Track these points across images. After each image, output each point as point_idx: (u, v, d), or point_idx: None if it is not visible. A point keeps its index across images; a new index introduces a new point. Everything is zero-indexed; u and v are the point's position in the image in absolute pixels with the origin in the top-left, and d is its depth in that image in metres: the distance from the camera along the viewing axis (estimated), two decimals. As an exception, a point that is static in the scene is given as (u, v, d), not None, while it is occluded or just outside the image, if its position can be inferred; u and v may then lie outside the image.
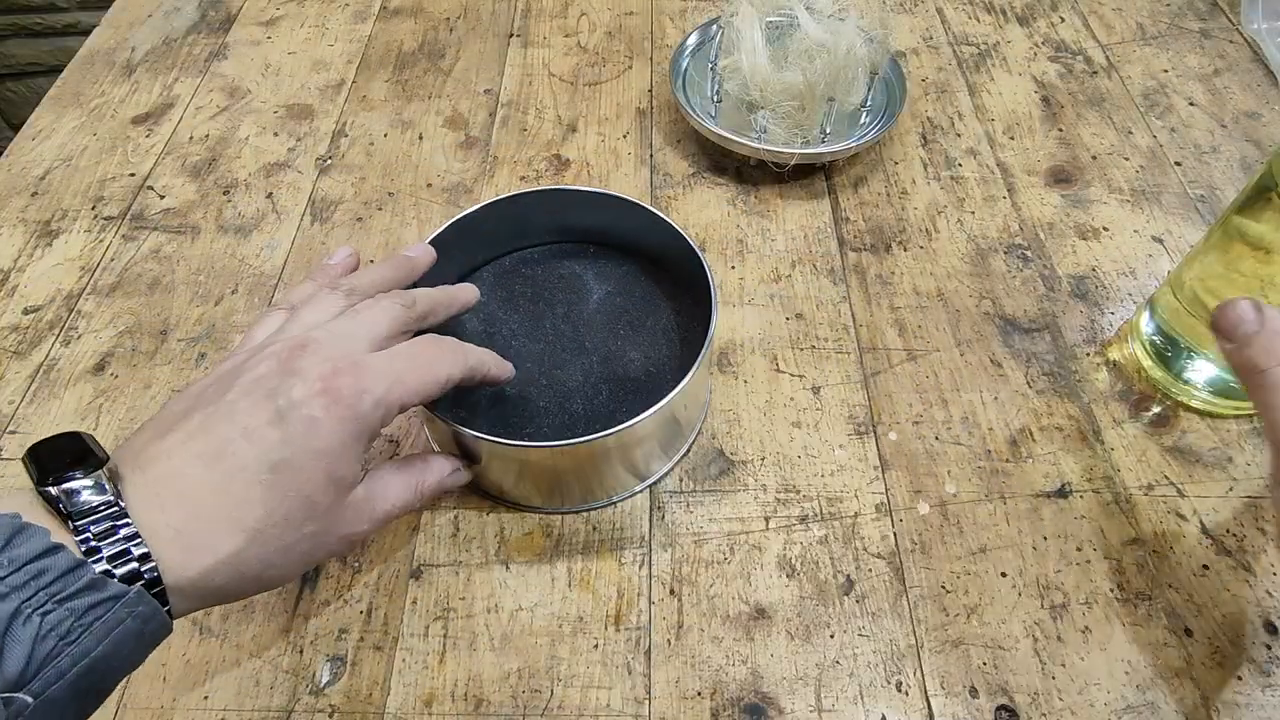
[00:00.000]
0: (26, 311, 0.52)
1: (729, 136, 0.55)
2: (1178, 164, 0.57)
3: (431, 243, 0.43)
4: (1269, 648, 0.37)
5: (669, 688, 0.37)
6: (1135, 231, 0.53)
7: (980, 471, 0.43)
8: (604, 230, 0.49)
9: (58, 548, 0.24)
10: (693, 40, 0.62)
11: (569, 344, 0.45)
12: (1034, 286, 0.51)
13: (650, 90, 0.64)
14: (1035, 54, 0.66)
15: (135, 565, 0.25)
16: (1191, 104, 0.61)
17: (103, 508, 0.26)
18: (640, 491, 0.43)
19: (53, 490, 0.26)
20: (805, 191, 0.57)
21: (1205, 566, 0.40)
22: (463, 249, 0.47)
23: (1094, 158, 0.58)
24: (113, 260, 0.54)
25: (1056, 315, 0.49)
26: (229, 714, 0.36)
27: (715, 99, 0.58)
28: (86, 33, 0.72)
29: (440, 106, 0.63)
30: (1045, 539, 0.41)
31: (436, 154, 0.60)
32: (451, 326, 0.46)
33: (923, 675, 0.37)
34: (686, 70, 0.61)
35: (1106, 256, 0.52)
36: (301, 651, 0.38)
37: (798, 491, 0.42)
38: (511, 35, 0.69)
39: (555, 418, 0.42)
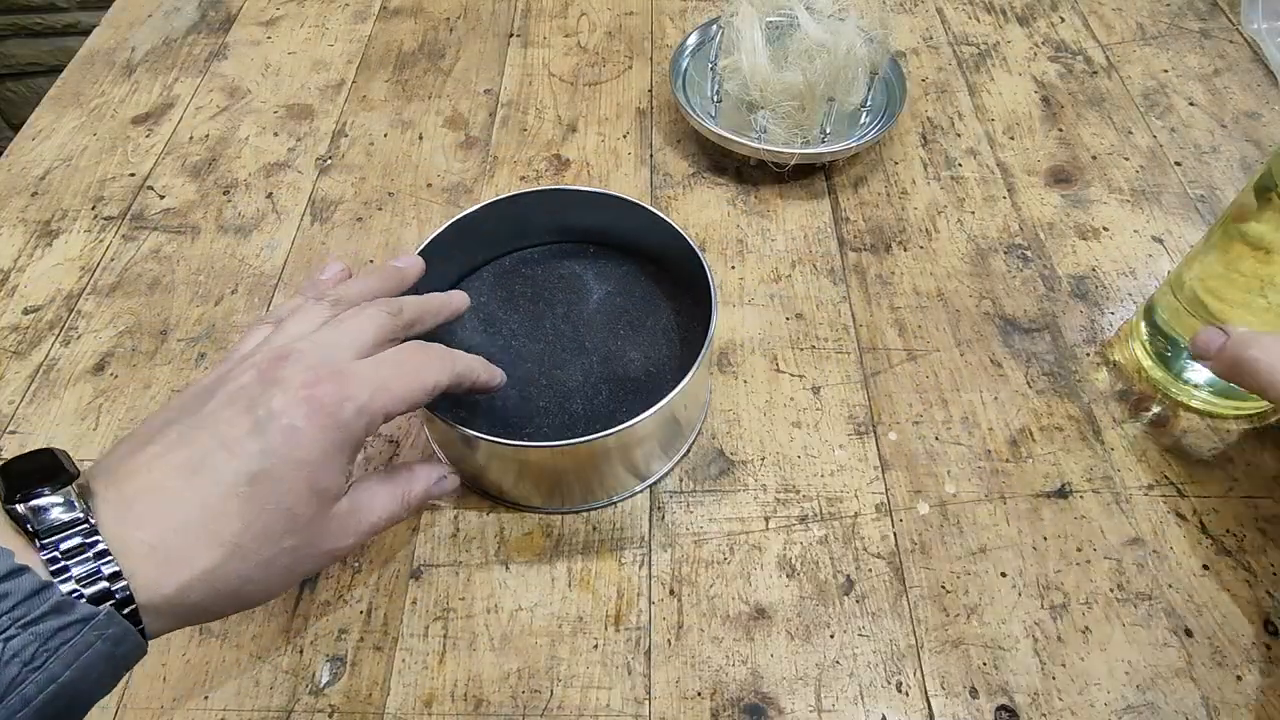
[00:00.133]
0: (26, 311, 0.52)
1: (729, 136, 0.55)
2: (1178, 164, 0.57)
3: (431, 242, 0.43)
4: (1269, 648, 0.37)
5: (669, 688, 0.37)
6: (1135, 231, 0.53)
7: (980, 471, 0.43)
8: (604, 230, 0.49)
9: (21, 569, 0.23)
10: (693, 40, 0.62)
11: (569, 344, 0.45)
12: (1034, 286, 0.51)
13: (650, 90, 0.64)
14: (1035, 54, 0.66)
15: (105, 585, 0.24)
16: (1191, 104, 0.61)
17: (72, 525, 0.25)
18: (640, 491, 0.43)
19: (19, 508, 0.25)
20: (805, 191, 0.57)
21: (1205, 566, 0.40)
22: (463, 249, 0.47)
23: (1094, 158, 0.58)
24: (113, 260, 0.54)
25: (1056, 315, 0.49)
26: (229, 714, 0.36)
27: (715, 99, 0.58)
28: (86, 33, 0.72)
29: (440, 106, 0.63)
30: (1045, 539, 0.41)
31: (436, 154, 0.60)
32: (451, 326, 0.46)
33: (923, 675, 0.37)
34: (686, 70, 0.61)
35: (1106, 256, 0.52)
36: (301, 651, 0.38)
37: (798, 491, 0.42)
38: (511, 35, 0.69)
39: (555, 418, 0.42)
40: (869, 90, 0.57)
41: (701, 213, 0.55)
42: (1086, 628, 0.38)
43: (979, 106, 0.62)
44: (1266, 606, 0.38)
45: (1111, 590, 0.39)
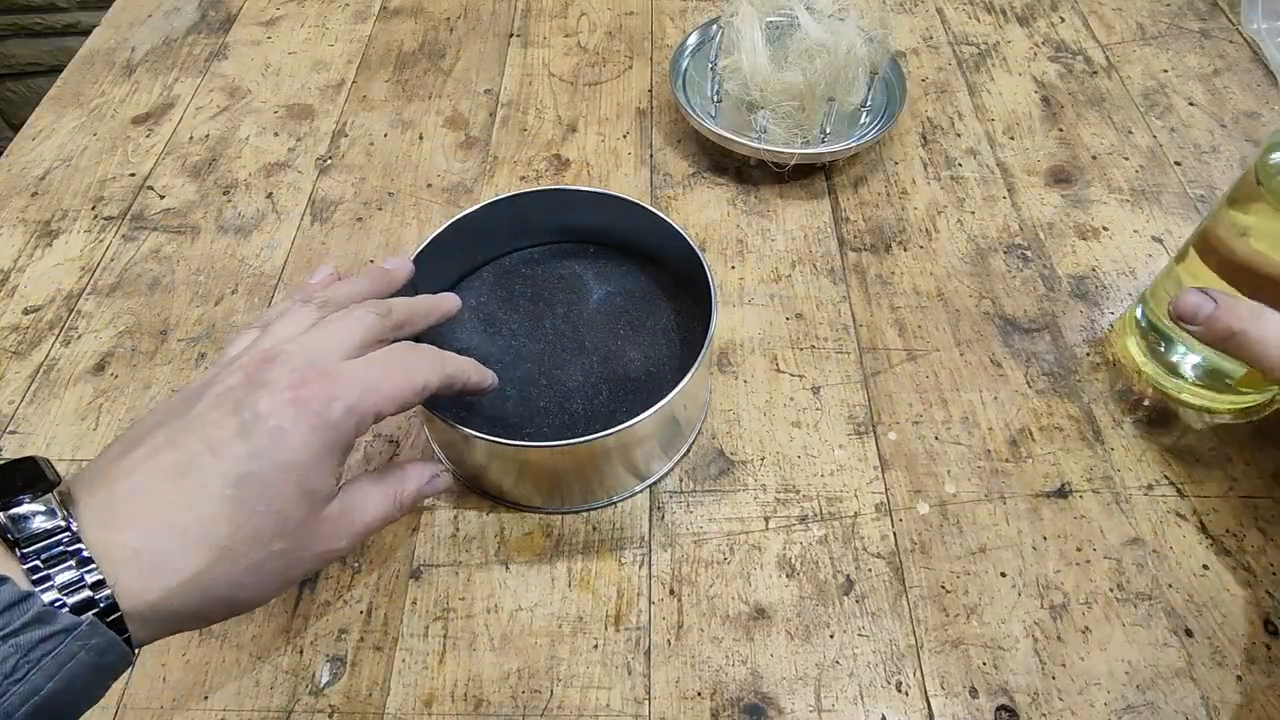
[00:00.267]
0: (26, 311, 0.52)
1: (729, 136, 0.55)
2: (1178, 164, 0.57)
3: (431, 243, 0.43)
4: (1269, 648, 0.37)
5: (669, 688, 0.37)
6: (1135, 231, 0.53)
7: (980, 471, 0.43)
8: (604, 230, 0.49)
9: (1, 580, 0.23)
10: (693, 40, 0.62)
11: (569, 344, 0.45)
12: (1034, 286, 0.51)
13: (650, 90, 0.64)
14: (1035, 54, 0.66)
15: (89, 593, 0.24)
16: (1191, 104, 0.61)
17: (54, 533, 0.24)
18: (640, 491, 0.43)
19: (2, 520, 0.24)
20: (805, 191, 0.57)
21: (1205, 566, 0.40)
22: (463, 249, 0.47)
23: (1094, 158, 0.58)
24: (113, 260, 0.54)
25: (1056, 315, 0.49)
26: (229, 714, 0.36)
27: (715, 99, 0.58)
28: (86, 33, 0.72)
29: (440, 106, 0.63)
30: (1045, 539, 0.41)
31: (436, 154, 0.60)
32: (452, 327, 0.46)
33: (923, 675, 0.37)
34: (686, 70, 0.61)
35: (1106, 256, 0.52)
36: (301, 651, 0.38)
37: (797, 491, 0.42)
38: (511, 35, 0.69)
39: (555, 418, 0.42)
40: (869, 90, 0.57)
41: (701, 213, 0.55)
42: (1086, 628, 0.38)
43: (979, 106, 0.62)
44: (1266, 606, 0.38)
45: (1111, 590, 0.39)
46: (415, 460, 0.36)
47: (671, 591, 0.39)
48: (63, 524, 0.25)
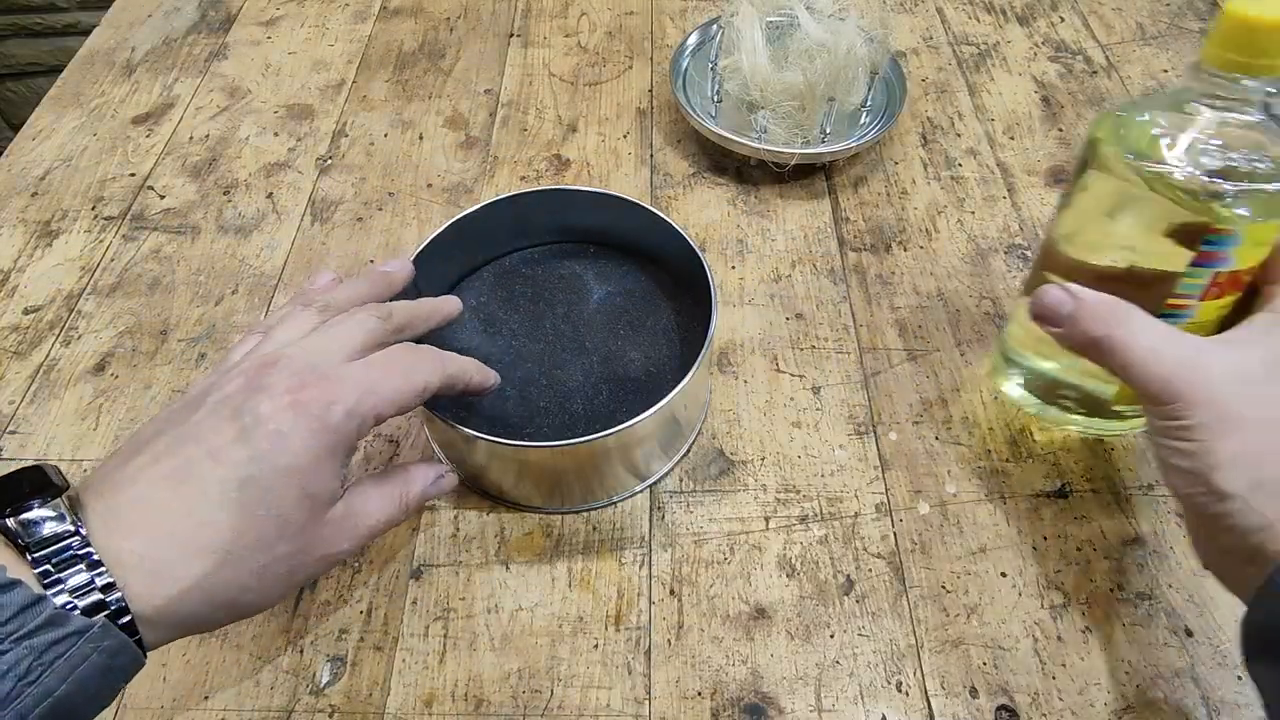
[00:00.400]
0: (26, 311, 0.52)
1: (729, 136, 0.55)
2: (1178, 164, 0.57)
3: (431, 243, 0.43)
4: (1269, 648, 0.37)
5: (669, 688, 0.37)
6: (1135, 231, 0.53)
7: (980, 471, 0.43)
8: (604, 230, 0.49)
9: (14, 584, 0.23)
10: (693, 40, 0.62)
11: (569, 344, 0.45)
12: (1034, 286, 0.51)
13: (650, 90, 0.64)
14: (1035, 54, 0.66)
15: (99, 596, 0.24)
16: (1191, 104, 0.61)
17: (64, 537, 0.25)
18: (640, 491, 0.43)
19: (9, 523, 0.25)
20: (805, 191, 0.57)
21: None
22: (463, 249, 0.47)
23: (1094, 158, 0.58)
24: (113, 260, 0.54)
25: (1056, 315, 0.49)
26: (229, 714, 0.36)
27: (715, 99, 0.58)
28: (86, 33, 0.72)
29: (440, 106, 0.63)
30: (1045, 539, 0.41)
31: (437, 154, 0.60)
32: (452, 327, 0.46)
33: (923, 675, 0.37)
34: (686, 70, 0.61)
35: (1106, 256, 0.52)
36: (301, 651, 0.38)
37: (798, 491, 0.42)
38: (512, 35, 0.69)
39: (555, 418, 0.42)
40: (869, 90, 0.57)
41: (701, 213, 0.55)
42: (1086, 628, 0.38)
43: (979, 106, 0.62)
44: (1266, 606, 0.38)
45: (1111, 590, 0.39)
46: (419, 461, 0.36)
47: (672, 591, 0.39)
48: (72, 528, 0.25)
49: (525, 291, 0.48)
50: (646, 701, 0.36)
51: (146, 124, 0.63)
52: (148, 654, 0.26)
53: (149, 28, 0.71)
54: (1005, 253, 0.53)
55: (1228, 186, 0.31)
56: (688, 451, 0.44)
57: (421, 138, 0.61)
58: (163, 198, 0.58)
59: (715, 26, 0.61)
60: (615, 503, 0.42)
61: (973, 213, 0.55)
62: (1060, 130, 0.60)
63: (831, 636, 0.38)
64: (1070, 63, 0.65)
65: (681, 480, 0.43)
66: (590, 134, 0.61)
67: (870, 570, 0.40)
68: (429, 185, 0.58)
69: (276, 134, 0.62)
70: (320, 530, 0.29)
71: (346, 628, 0.39)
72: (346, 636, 0.38)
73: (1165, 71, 0.64)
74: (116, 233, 0.56)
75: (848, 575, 0.40)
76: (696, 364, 0.38)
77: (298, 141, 0.61)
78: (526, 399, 0.43)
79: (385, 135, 0.61)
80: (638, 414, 0.36)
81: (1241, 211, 0.31)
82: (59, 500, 0.25)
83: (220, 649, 0.38)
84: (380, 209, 0.56)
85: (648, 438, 0.40)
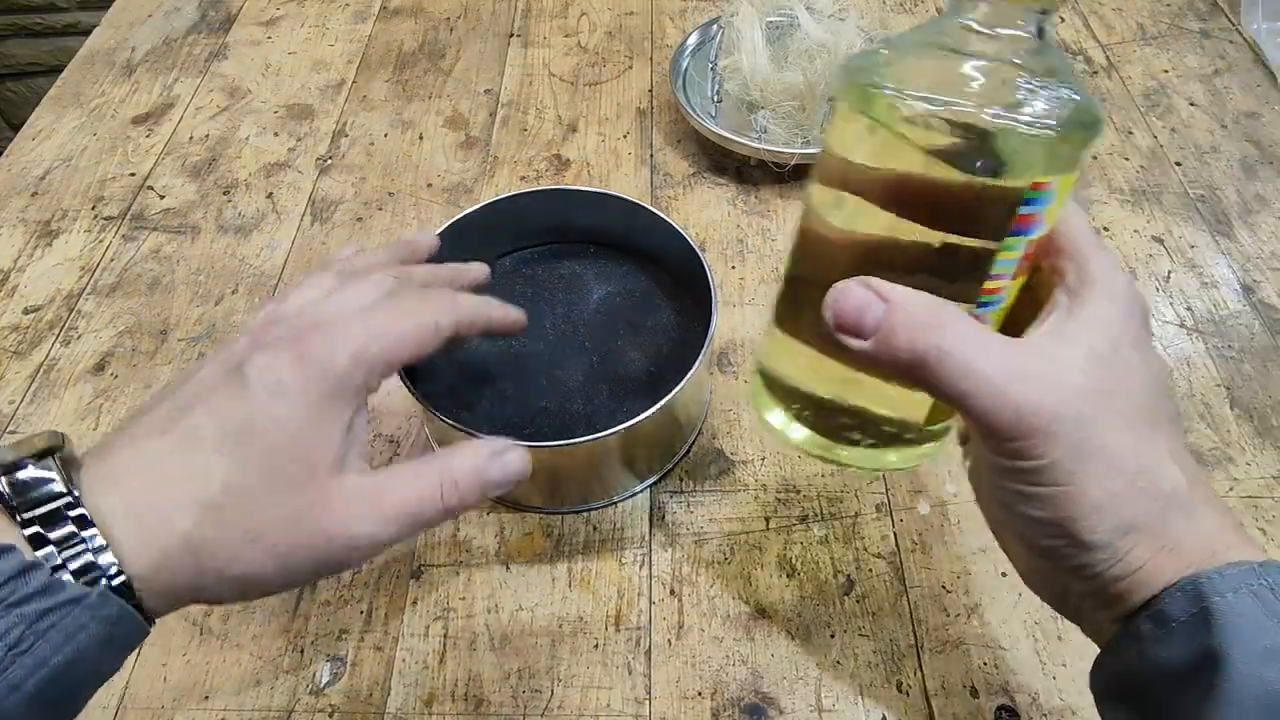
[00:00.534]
0: (26, 311, 0.52)
1: (729, 136, 0.55)
2: (1178, 164, 0.57)
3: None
4: (1269, 648, 0.37)
5: (669, 688, 0.37)
6: (1135, 231, 0.53)
7: (980, 471, 0.43)
8: (604, 230, 0.49)
9: (6, 549, 0.22)
10: (693, 40, 0.62)
11: (569, 344, 0.45)
12: (1034, 286, 0.51)
13: (650, 90, 0.64)
14: (1035, 54, 0.66)
15: (90, 558, 0.23)
16: (1192, 104, 0.61)
17: (56, 496, 0.23)
18: (640, 491, 0.43)
19: (2, 484, 0.23)
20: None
21: (1205, 566, 0.40)
22: (463, 249, 0.47)
23: (1094, 158, 0.58)
24: (113, 260, 0.54)
25: (1057, 315, 0.49)
26: (229, 714, 0.36)
27: (715, 99, 0.58)
28: (86, 33, 0.72)
29: (440, 106, 0.63)
30: (1045, 539, 0.40)
31: (437, 154, 0.60)
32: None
33: (923, 675, 0.37)
34: (687, 70, 0.61)
35: (1107, 256, 0.52)
36: (301, 651, 0.38)
37: (798, 491, 0.42)
38: (512, 35, 0.69)
39: (555, 418, 0.42)
40: (869, 90, 0.57)
41: (701, 213, 0.55)
42: (1087, 628, 0.38)
43: (979, 106, 0.62)
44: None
45: (1112, 590, 0.39)
46: (476, 439, 0.30)
47: (672, 591, 0.39)
48: (64, 488, 0.23)
49: (525, 291, 0.48)
50: (647, 701, 0.36)
51: (146, 124, 0.63)
52: (153, 623, 0.25)
53: (149, 28, 0.71)
54: (1005, 253, 0.52)
55: (1034, 118, 0.23)
56: (688, 451, 0.44)
57: (421, 138, 0.61)
58: (163, 198, 0.58)
59: (715, 26, 0.61)
60: (615, 503, 0.42)
61: (973, 213, 0.55)
62: (1060, 130, 0.60)
63: (832, 636, 0.38)
64: (1070, 63, 0.65)
65: (681, 480, 0.43)
66: (590, 134, 0.61)
67: (870, 570, 0.40)
68: (429, 185, 0.58)
69: (276, 134, 0.62)
70: (327, 498, 0.26)
71: (346, 628, 0.39)
72: (346, 636, 0.38)
73: (1166, 72, 0.64)
74: (116, 233, 0.56)
75: (848, 575, 0.40)
76: (696, 364, 0.38)
77: (298, 141, 0.61)
78: (526, 399, 0.43)
79: (385, 135, 0.61)
80: (638, 414, 0.36)
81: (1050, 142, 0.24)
82: (50, 460, 0.24)
83: (220, 649, 0.38)
84: (380, 209, 0.56)
85: (648, 438, 0.40)
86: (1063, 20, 0.68)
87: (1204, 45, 0.65)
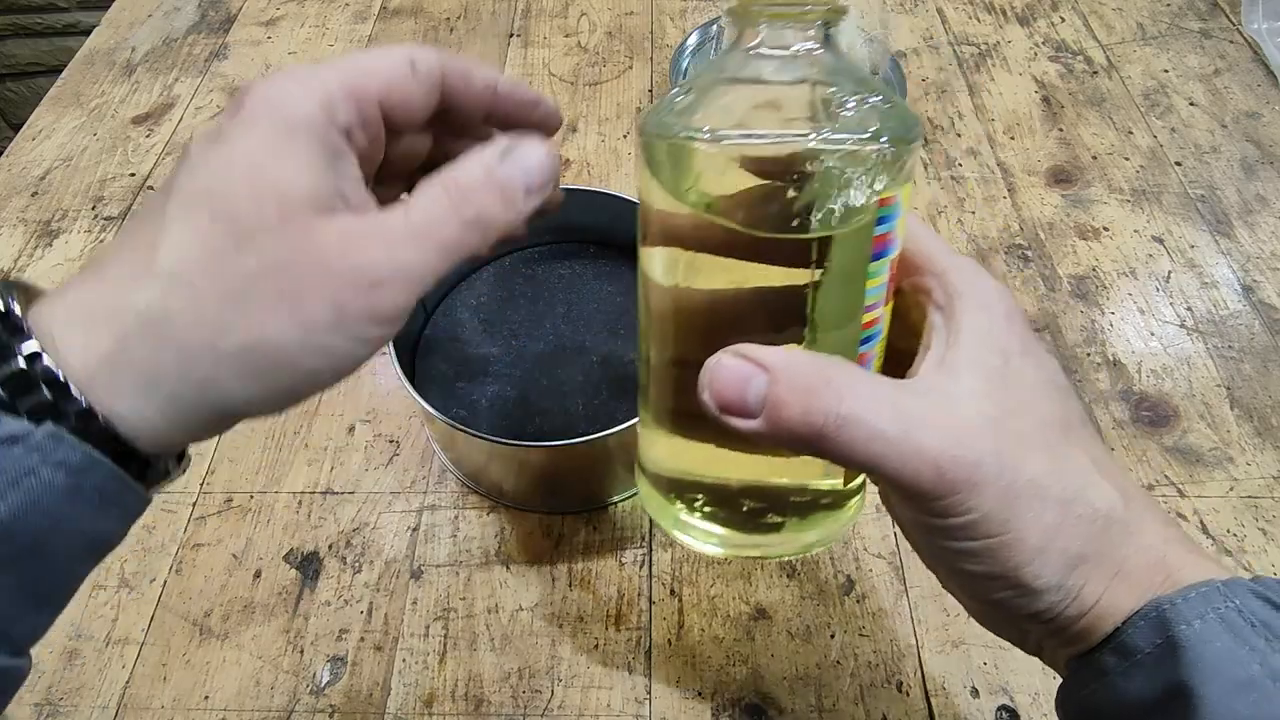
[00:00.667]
0: (26, 311, 0.52)
1: (729, 136, 0.55)
2: (1178, 164, 0.57)
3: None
4: (1269, 648, 0.37)
5: (669, 688, 0.37)
6: (1135, 231, 0.53)
7: (980, 471, 0.43)
8: (604, 230, 0.49)
9: None
10: (693, 40, 0.62)
11: (569, 344, 0.45)
12: (1034, 286, 0.51)
13: (650, 90, 0.64)
14: (1035, 54, 0.66)
15: (21, 366, 0.19)
16: (1192, 104, 0.61)
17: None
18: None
19: None
20: (805, 191, 0.56)
21: (1205, 566, 0.40)
22: (463, 249, 0.47)
23: (1094, 158, 0.58)
24: (113, 260, 0.54)
25: (1057, 315, 0.49)
26: (229, 714, 0.36)
27: (715, 99, 0.58)
28: (86, 33, 0.72)
29: (440, 106, 0.63)
30: (1045, 539, 0.40)
31: (436, 154, 0.60)
32: (453, 326, 0.46)
33: (923, 675, 0.37)
34: (687, 70, 0.61)
35: (1107, 256, 0.52)
36: (301, 651, 0.38)
37: (798, 491, 0.42)
38: (511, 35, 0.69)
39: (555, 418, 0.42)
40: (869, 90, 0.57)
41: (702, 213, 0.55)
42: (1087, 628, 0.38)
43: (979, 106, 0.62)
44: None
45: (1112, 590, 0.39)
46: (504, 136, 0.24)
47: (672, 592, 0.39)
48: (5, 310, 0.20)
49: (525, 291, 0.48)
50: (647, 701, 0.36)
51: (146, 124, 0.63)
52: (150, 483, 0.21)
53: (149, 28, 0.71)
54: (1005, 253, 0.52)
55: (865, 134, 0.22)
56: (688, 451, 0.44)
57: (421, 138, 0.61)
58: (163, 198, 0.58)
59: (715, 26, 0.61)
60: (615, 503, 0.42)
61: (973, 213, 0.55)
62: (1061, 130, 0.60)
63: (832, 636, 0.38)
64: (1071, 63, 0.65)
65: (682, 480, 0.43)
66: (590, 134, 0.61)
67: (870, 570, 0.40)
68: (429, 185, 0.58)
69: (276, 134, 0.62)
70: (315, 240, 0.21)
71: (346, 628, 0.39)
72: (346, 636, 0.38)
73: (1166, 71, 0.64)
74: (117, 233, 0.56)
75: (848, 575, 0.40)
76: (697, 364, 0.38)
77: (298, 141, 0.61)
78: (526, 399, 0.43)
79: (385, 135, 0.61)
80: (637, 414, 0.36)
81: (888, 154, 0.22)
82: None
83: (220, 649, 0.38)
84: (380, 209, 0.56)
85: (648, 438, 0.40)
86: (1062, 20, 0.68)
87: (1204, 45, 0.65)
